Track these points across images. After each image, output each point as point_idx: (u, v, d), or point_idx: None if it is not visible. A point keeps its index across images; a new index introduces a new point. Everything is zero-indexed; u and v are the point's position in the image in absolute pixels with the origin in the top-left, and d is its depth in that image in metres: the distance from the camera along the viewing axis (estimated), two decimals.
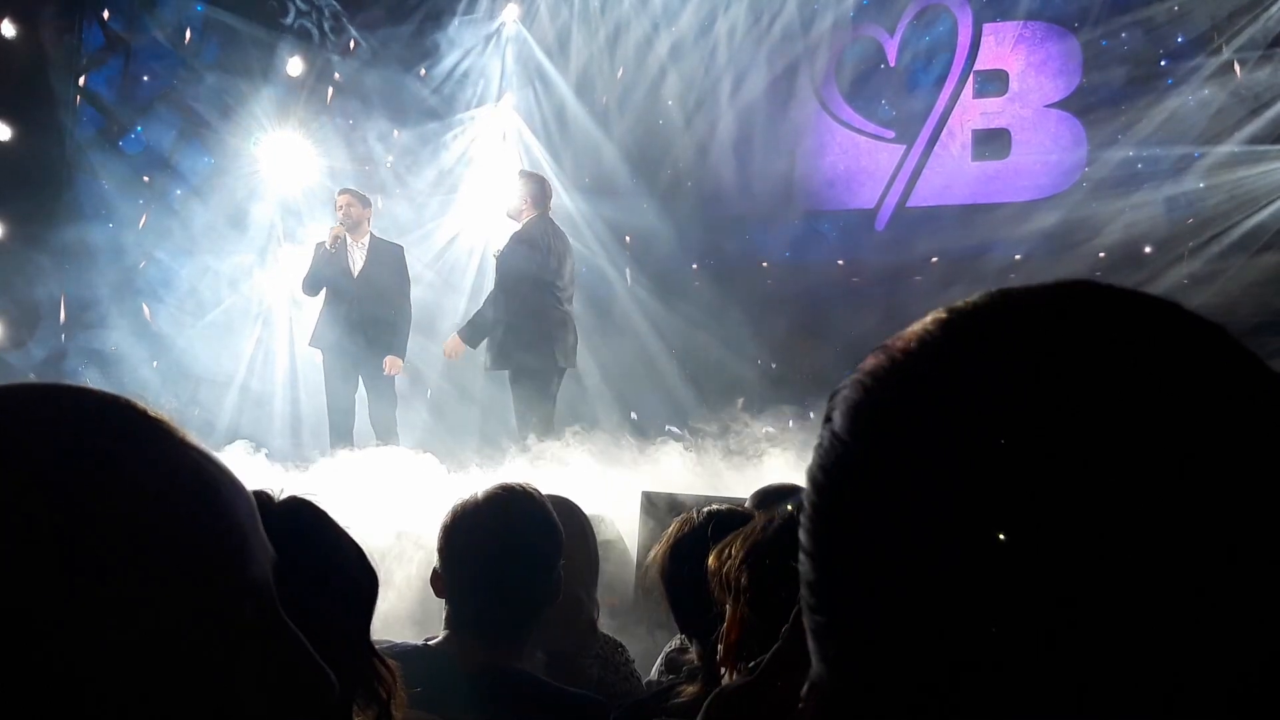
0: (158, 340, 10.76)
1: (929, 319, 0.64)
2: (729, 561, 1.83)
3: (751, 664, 1.10)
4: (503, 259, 8.08)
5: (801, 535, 0.65)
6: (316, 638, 1.57)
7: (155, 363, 10.65)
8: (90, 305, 10.55)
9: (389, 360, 8.55)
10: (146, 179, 11.17)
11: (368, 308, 8.50)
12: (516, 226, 8.19)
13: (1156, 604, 0.53)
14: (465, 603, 2.44)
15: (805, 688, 0.66)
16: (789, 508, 1.89)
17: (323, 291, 8.72)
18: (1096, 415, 0.55)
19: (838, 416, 0.64)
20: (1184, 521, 0.53)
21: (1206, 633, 0.53)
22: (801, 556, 0.65)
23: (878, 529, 0.59)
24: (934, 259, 10.07)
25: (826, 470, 0.63)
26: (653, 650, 3.28)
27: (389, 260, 8.76)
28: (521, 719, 2.30)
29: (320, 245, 8.77)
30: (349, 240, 8.59)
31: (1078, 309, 0.60)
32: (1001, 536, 0.54)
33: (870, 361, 0.64)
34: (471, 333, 8.30)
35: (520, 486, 2.61)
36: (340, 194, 8.83)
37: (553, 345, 7.93)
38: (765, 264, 11.22)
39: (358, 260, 8.62)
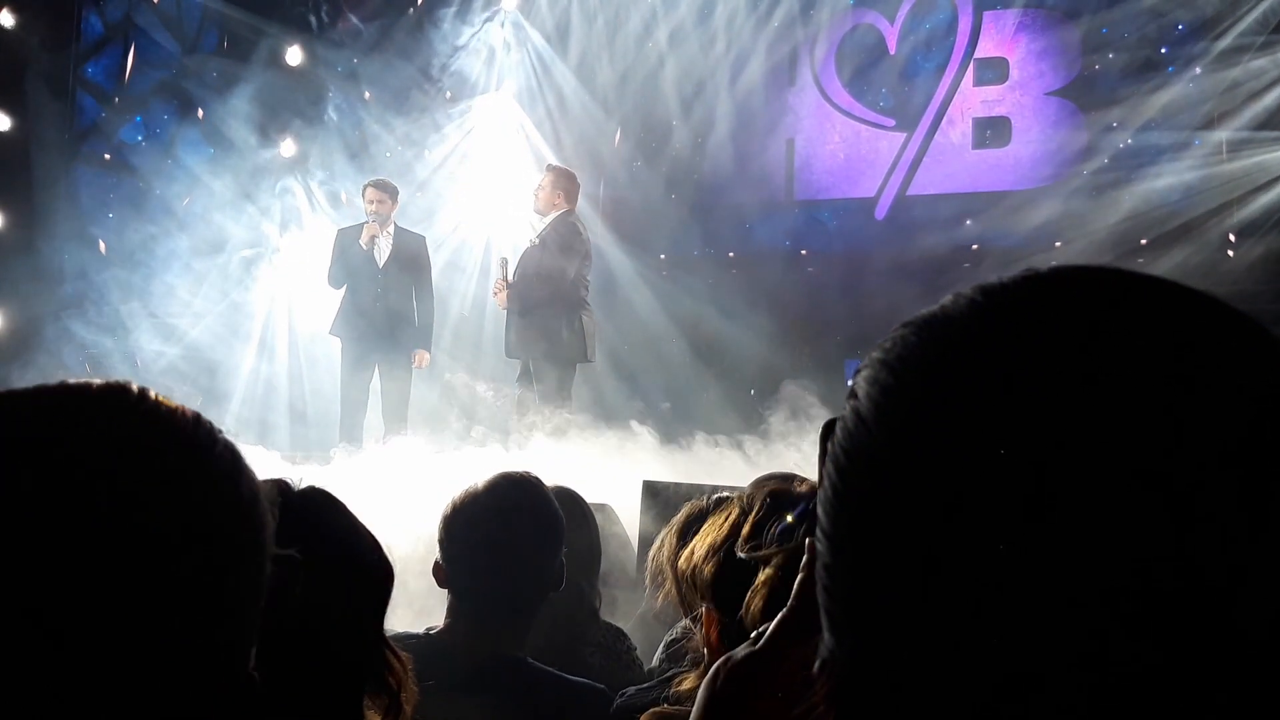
0: (158, 332, 10.75)
1: (960, 299, 0.62)
2: (692, 562, 1.84)
3: (754, 632, 1.10)
4: (541, 251, 8.06)
5: (820, 515, 0.64)
6: (330, 626, 1.58)
7: (157, 354, 10.64)
8: (89, 296, 10.54)
9: (419, 354, 8.54)
10: (146, 168, 11.15)
11: (392, 299, 8.48)
12: (540, 218, 8.22)
13: (1196, 607, 0.52)
14: (466, 592, 2.44)
15: (817, 665, 0.65)
16: (736, 503, 1.90)
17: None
18: (1140, 411, 0.54)
19: (863, 397, 0.62)
20: (1243, 525, 0.53)
21: (1244, 635, 0.52)
22: (819, 536, 0.64)
23: (900, 518, 0.58)
24: (934, 247, 10.06)
25: (849, 454, 0.62)
26: (654, 638, 3.28)
27: (414, 251, 8.73)
28: (524, 708, 2.31)
29: (342, 232, 8.75)
30: (361, 239, 8.55)
31: (1117, 296, 0.59)
32: (1029, 531, 0.54)
33: (898, 340, 0.63)
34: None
35: (521, 475, 2.60)
36: (369, 187, 8.70)
37: (582, 337, 7.97)
38: (764, 252, 11.22)
39: (383, 250, 8.57)
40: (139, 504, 0.77)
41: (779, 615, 1.06)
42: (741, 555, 1.66)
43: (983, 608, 0.55)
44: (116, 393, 0.83)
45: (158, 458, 0.80)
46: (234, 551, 0.83)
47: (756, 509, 1.82)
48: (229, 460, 0.85)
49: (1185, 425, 0.54)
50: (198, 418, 0.85)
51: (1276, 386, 0.56)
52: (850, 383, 0.65)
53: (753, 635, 1.10)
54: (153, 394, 0.84)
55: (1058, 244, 9.57)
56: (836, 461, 0.63)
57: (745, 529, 1.78)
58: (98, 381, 0.84)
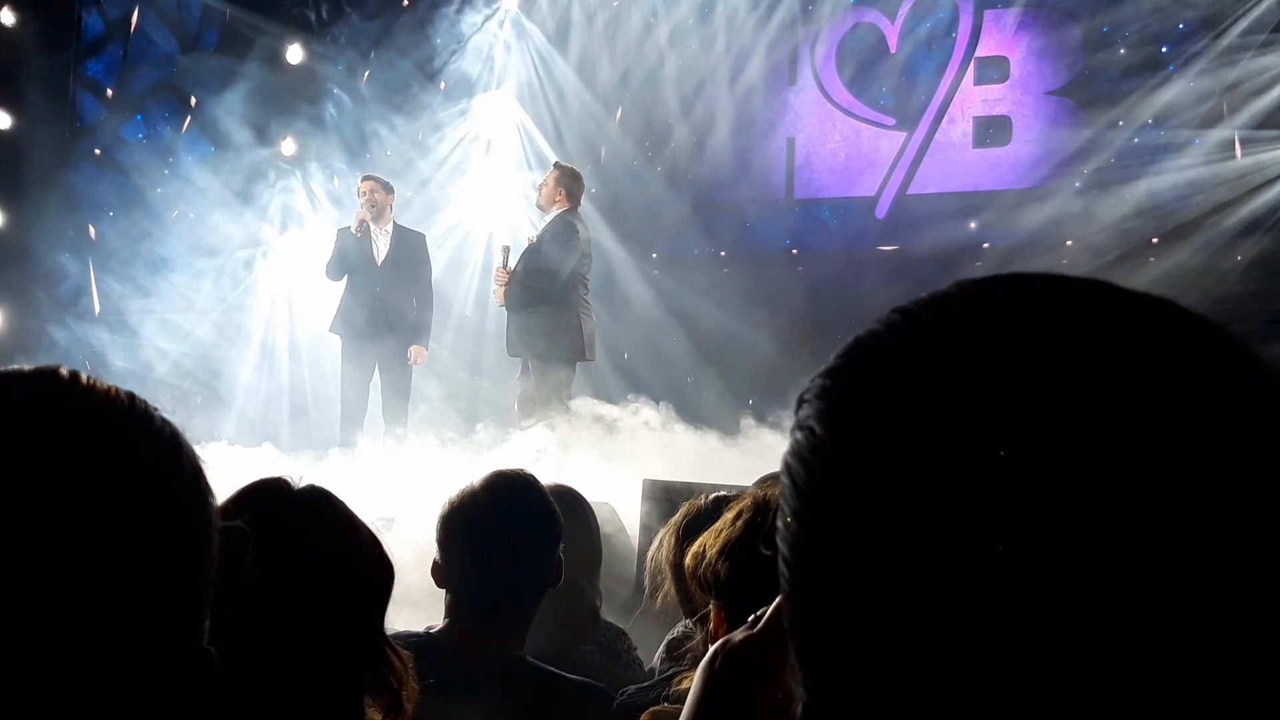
0: (159, 331, 10.75)
1: (894, 313, 0.61)
2: (705, 559, 1.84)
3: (752, 616, 1.11)
4: (539, 248, 8.07)
5: (780, 545, 0.63)
6: (330, 624, 1.59)
7: (159, 354, 10.64)
8: (89, 294, 10.54)
9: (414, 350, 8.55)
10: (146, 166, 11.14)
11: (390, 296, 8.49)
12: (542, 215, 8.27)
13: (1161, 618, 0.51)
14: (465, 592, 2.44)
15: (798, 710, 0.63)
16: (754, 498, 1.90)
17: (344, 278, 8.71)
18: (1080, 414, 0.53)
19: (810, 421, 0.61)
20: (1190, 528, 0.51)
21: (1209, 650, 0.51)
22: (780, 567, 0.63)
23: (856, 544, 0.57)
24: (935, 246, 10.06)
25: (801, 484, 0.61)
26: (655, 637, 3.28)
27: (412, 248, 8.75)
28: (524, 707, 2.31)
29: (342, 230, 8.77)
30: (372, 227, 8.56)
31: (1046, 300, 0.58)
32: (982, 547, 0.53)
33: (836, 363, 0.62)
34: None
35: (517, 473, 2.61)
36: (363, 180, 8.77)
37: (581, 337, 7.97)
38: (764, 251, 11.22)
39: (382, 248, 8.59)
40: (72, 482, 0.78)
41: (776, 600, 1.07)
42: (767, 552, 1.65)
43: (946, 639, 0.54)
44: (46, 376, 0.83)
45: (91, 436, 0.80)
46: (176, 525, 0.83)
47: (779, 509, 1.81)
48: (167, 436, 0.85)
49: (1150, 442, 0.52)
50: (132, 396, 0.86)
51: (1243, 400, 0.54)
52: (798, 413, 0.63)
53: (750, 619, 1.11)
54: (84, 376, 0.84)
55: (1069, 242, 9.55)
56: (795, 489, 0.62)
57: (769, 527, 1.78)
58: (27, 366, 0.84)
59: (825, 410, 0.61)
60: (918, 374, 0.57)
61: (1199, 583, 0.51)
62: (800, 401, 0.63)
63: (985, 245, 9.97)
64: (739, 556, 1.78)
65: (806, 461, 0.61)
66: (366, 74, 11.50)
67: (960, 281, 0.61)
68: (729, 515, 1.88)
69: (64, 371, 0.84)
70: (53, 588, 0.76)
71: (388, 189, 8.75)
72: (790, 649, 0.64)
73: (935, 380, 0.56)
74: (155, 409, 0.86)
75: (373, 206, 8.53)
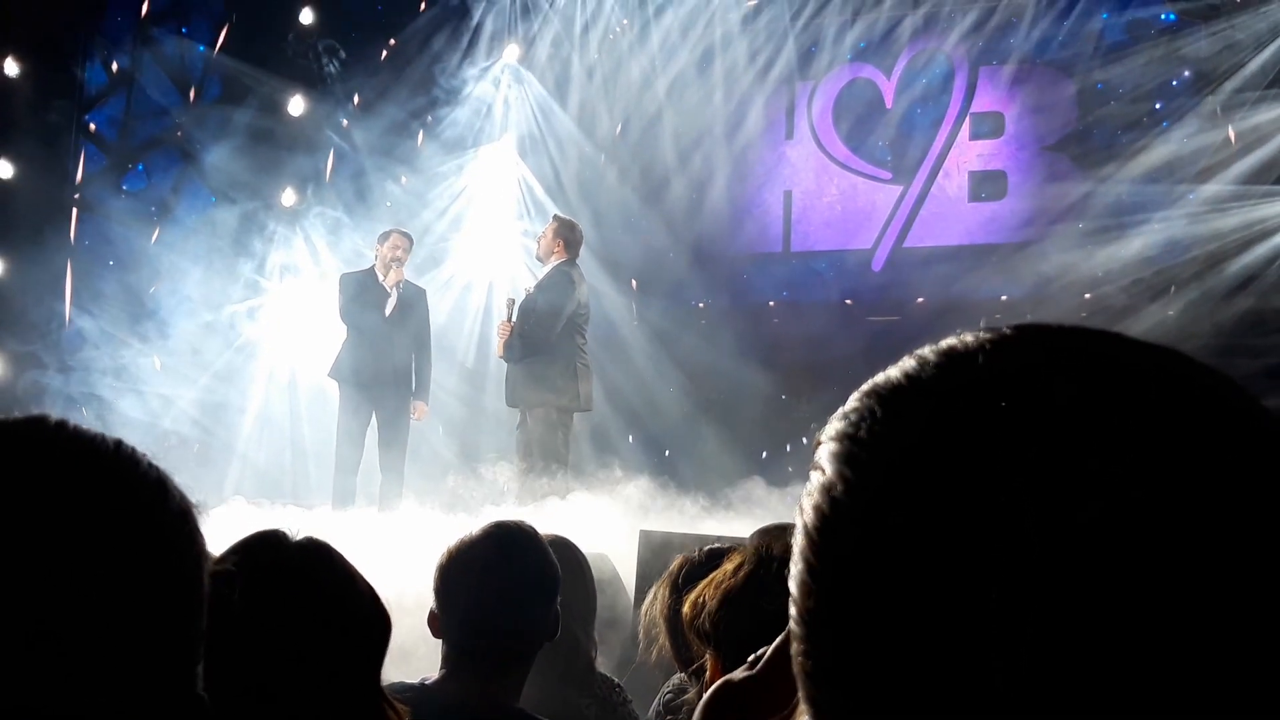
0: (161, 383, 10.73)
1: (912, 359, 0.62)
2: (704, 610, 1.82)
3: (752, 656, 1.11)
4: (535, 299, 8.10)
5: (790, 585, 0.63)
6: (327, 676, 1.58)
7: (165, 403, 10.61)
8: (90, 344, 10.54)
9: (418, 406, 8.55)
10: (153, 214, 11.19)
11: (395, 349, 8.47)
12: (541, 266, 8.32)
13: (1176, 678, 0.52)
14: (461, 642, 2.43)
15: None
16: (754, 549, 1.89)
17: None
18: (1096, 465, 0.53)
19: (833, 474, 0.61)
20: (1207, 580, 0.52)
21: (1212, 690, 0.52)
22: (793, 615, 0.63)
23: (866, 584, 0.57)
24: (930, 299, 10.10)
25: (823, 532, 0.61)
26: (650, 689, 3.26)
27: (417, 303, 8.75)
28: None
29: (346, 277, 8.76)
30: (384, 280, 8.60)
31: (1064, 353, 0.59)
32: (991, 591, 0.53)
33: (863, 412, 0.62)
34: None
35: (515, 524, 2.60)
36: (394, 234, 8.71)
37: (577, 387, 7.98)
38: (762, 304, 11.26)
39: (390, 301, 8.62)
40: (57, 524, 0.80)
41: (776, 641, 1.07)
42: (769, 607, 1.64)
43: (953, 677, 0.54)
44: (33, 425, 0.86)
45: (76, 479, 0.83)
46: (163, 563, 0.85)
47: (779, 561, 1.80)
48: (153, 479, 0.87)
49: (1160, 492, 0.53)
50: (119, 443, 0.88)
51: (1246, 447, 0.55)
52: (815, 455, 0.64)
53: (750, 659, 1.11)
54: (70, 424, 0.87)
55: (1087, 295, 9.55)
56: (809, 539, 0.61)
57: (770, 580, 1.77)
58: (17, 415, 0.87)
59: (840, 452, 0.61)
60: (933, 421, 0.58)
61: (1222, 654, 0.52)
62: (817, 442, 0.64)
63: (980, 298, 10.01)
64: (739, 608, 1.77)
65: (819, 503, 0.61)
66: (367, 126, 11.58)
67: (977, 331, 0.62)
68: (729, 566, 1.87)
69: (51, 419, 0.87)
70: (40, 628, 0.77)
71: (412, 243, 8.78)
72: (792, 688, 0.64)
73: (951, 428, 0.57)
74: (142, 454, 0.88)
75: (398, 262, 8.54)
